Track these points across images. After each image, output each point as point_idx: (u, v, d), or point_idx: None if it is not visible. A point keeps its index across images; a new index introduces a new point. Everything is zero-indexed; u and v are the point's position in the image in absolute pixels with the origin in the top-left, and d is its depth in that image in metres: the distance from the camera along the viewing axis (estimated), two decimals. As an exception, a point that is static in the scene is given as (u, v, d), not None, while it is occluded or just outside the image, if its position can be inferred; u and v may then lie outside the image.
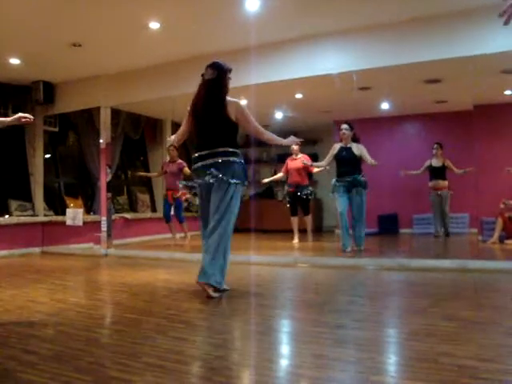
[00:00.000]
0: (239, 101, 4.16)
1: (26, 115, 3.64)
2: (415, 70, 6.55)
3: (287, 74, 6.43)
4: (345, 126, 6.78)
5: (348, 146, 6.72)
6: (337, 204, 6.69)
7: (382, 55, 5.96)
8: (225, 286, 4.06)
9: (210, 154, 4.06)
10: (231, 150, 4.07)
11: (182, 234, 8.51)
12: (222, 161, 4.01)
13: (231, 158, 4.04)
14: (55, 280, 5.02)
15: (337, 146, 6.84)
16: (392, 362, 2.37)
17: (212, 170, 3.99)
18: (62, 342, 2.69)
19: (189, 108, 4.23)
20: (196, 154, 4.17)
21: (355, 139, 6.81)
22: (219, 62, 4.19)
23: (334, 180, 6.79)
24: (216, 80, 4.09)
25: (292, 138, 4.48)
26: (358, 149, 6.68)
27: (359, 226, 6.68)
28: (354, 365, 2.30)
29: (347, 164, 6.66)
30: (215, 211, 3.99)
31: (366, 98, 8.30)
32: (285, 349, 2.71)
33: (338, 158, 6.77)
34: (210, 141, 4.09)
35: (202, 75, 4.16)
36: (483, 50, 5.48)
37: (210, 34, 6.14)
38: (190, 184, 4.31)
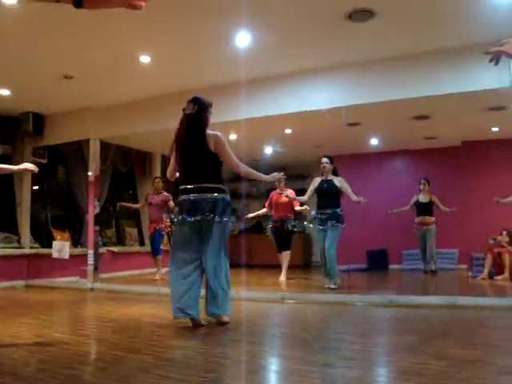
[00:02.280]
0: (218, 133, 4.20)
1: (32, 167, 3.90)
2: (404, 106, 6.64)
3: (276, 110, 6.47)
4: (325, 159, 6.76)
5: (329, 178, 6.72)
6: (318, 240, 6.65)
7: (371, 91, 6.03)
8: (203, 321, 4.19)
9: (194, 188, 4.10)
10: (215, 186, 4.12)
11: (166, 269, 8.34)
12: (209, 198, 4.06)
13: (216, 195, 4.09)
14: (39, 315, 4.91)
15: (317, 180, 6.82)
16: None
17: (201, 208, 4.05)
18: (42, 380, 2.60)
19: (172, 141, 4.31)
20: (181, 187, 4.21)
21: (335, 172, 6.81)
22: (199, 96, 4.29)
23: (313, 211, 6.77)
24: (196, 114, 4.19)
25: (274, 175, 4.51)
26: (339, 181, 6.68)
27: (329, 261, 6.56)
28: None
29: (328, 196, 6.62)
30: (211, 249, 4.08)
31: (355, 134, 8.36)
32: (272, 389, 2.65)
33: (319, 190, 6.73)
34: (193, 175, 4.15)
35: (183, 110, 4.25)
36: (471, 87, 5.58)
37: (200, 69, 6.19)
38: (175, 218, 4.28)
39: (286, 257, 7.96)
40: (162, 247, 8.34)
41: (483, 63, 5.48)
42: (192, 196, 4.10)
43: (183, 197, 4.17)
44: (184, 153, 4.21)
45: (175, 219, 4.25)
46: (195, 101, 4.24)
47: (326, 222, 6.53)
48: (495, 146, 8.09)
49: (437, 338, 3.64)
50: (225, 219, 4.09)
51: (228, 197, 4.19)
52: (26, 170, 3.97)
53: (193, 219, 4.06)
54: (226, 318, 4.18)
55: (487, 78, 5.45)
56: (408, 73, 5.86)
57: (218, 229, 4.07)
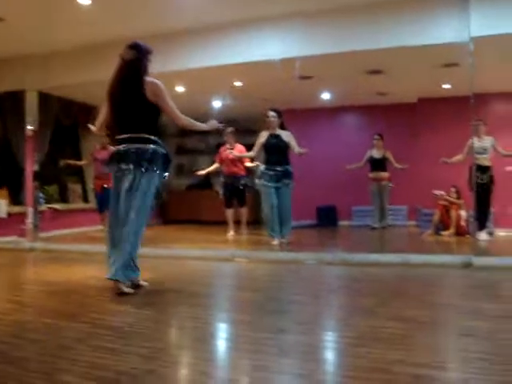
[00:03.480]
0: (157, 81, 3.86)
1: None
2: (358, 59, 6.46)
3: (226, 59, 6.16)
4: (271, 113, 6.51)
5: (277, 133, 6.50)
6: (265, 195, 6.46)
7: (325, 42, 5.84)
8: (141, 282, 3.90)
9: (126, 139, 3.80)
10: (147, 136, 3.81)
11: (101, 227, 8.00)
12: (137, 148, 3.75)
13: (148, 146, 3.78)
14: (-32, 278, 4.56)
15: (264, 134, 6.56)
16: (343, 373, 2.14)
17: (129, 158, 3.74)
18: (-38, 356, 2.32)
19: (106, 90, 3.93)
20: (116, 137, 3.88)
21: (283, 127, 6.59)
22: (139, 42, 3.94)
23: (262, 167, 6.56)
24: (134, 61, 3.85)
25: (213, 122, 4.23)
26: (286, 136, 6.47)
27: (288, 219, 6.47)
28: (299, 378, 2.07)
29: (277, 152, 6.43)
30: (127, 202, 3.73)
31: (307, 88, 8.13)
32: (223, 360, 2.44)
33: (267, 145, 6.50)
34: (126, 125, 3.83)
35: (121, 55, 3.90)
36: (428, 40, 5.42)
37: (143, 14, 5.78)
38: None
39: (243, 213, 7.90)
40: None
41: (443, 16, 5.39)
42: (122, 146, 3.80)
43: (115, 148, 3.87)
44: (118, 101, 3.86)
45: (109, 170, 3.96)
46: (134, 46, 3.88)
47: (277, 180, 6.35)
48: (448, 103, 8.03)
49: (392, 299, 3.53)
50: (150, 169, 3.75)
51: (161, 149, 3.86)
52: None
53: (121, 168, 3.77)
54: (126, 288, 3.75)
55: (445, 32, 5.32)
56: (365, 23, 5.68)
57: (143, 180, 3.74)
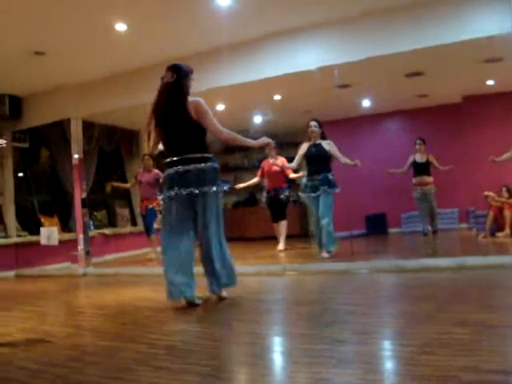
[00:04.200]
0: (199, 99, 3.91)
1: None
2: (396, 62, 6.33)
3: (263, 73, 6.12)
4: (313, 122, 6.51)
5: (317, 142, 6.45)
6: (309, 207, 6.42)
7: (360, 47, 5.72)
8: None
9: (180, 160, 3.86)
10: (201, 155, 3.86)
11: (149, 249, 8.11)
12: (197, 169, 3.82)
13: (203, 165, 3.85)
14: (26, 306, 4.62)
15: (305, 145, 6.56)
16: (409, 383, 2.03)
17: (189, 179, 3.83)
18: (21, 381, 2.32)
19: (149, 114, 4.00)
20: (167, 160, 3.95)
21: (324, 137, 6.54)
22: (178, 63, 4.01)
23: (304, 179, 6.54)
24: (175, 82, 3.90)
25: (262, 139, 4.20)
26: (327, 145, 6.42)
27: (325, 228, 6.31)
28: (363, 389, 1.99)
29: (318, 161, 6.38)
30: (210, 223, 3.89)
31: (346, 97, 8.04)
32: (282, 374, 2.36)
33: (308, 156, 6.48)
34: (177, 146, 3.90)
35: (162, 78, 3.97)
36: (466, 35, 5.25)
37: (180, 35, 5.83)
38: (163, 194, 4.01)
39: (283, 227, 7.73)
40: (155, 226, 8.07)
41: (482, 8, 5.24)
42: (178, 168, 3.85)
43: (169, 170, 3.92)
44: (165, 124, 3.92)
45: (163, 195, 3.98)
46: (174, 68, 3.95)
47: (318, 189, 6.28)
48: (493, 99, 7.80)
49: (453, 304, 3.38)
50: (215, 188, 3.86)
51: (216, 164, 3.94)
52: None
53: (183, 192, 3.81)
54: (224, 293, 4.03)
55: (486, 25, 5.15)
56: (400, 24, 5.56)
57: (212, 200, 3.86)
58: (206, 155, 3.89)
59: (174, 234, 3.90)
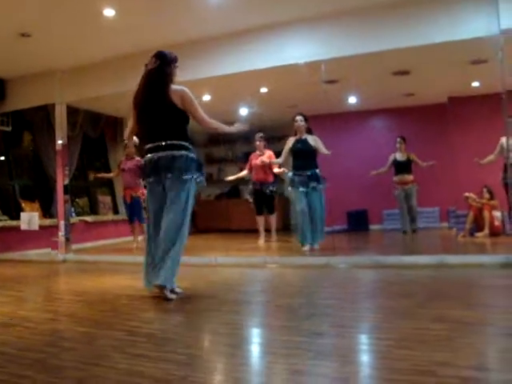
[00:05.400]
0: (184, 88, 3.88)
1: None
2: (383, 60, 6.35)
3: (251, 65, 6.10)
4: (299, 117, 6.53)
5: (303, 137, 6.47)
6: (295, 200, 6.42)
7: (349, 43, 5.73)
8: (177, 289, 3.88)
9: (156, 147, 3.82)
10: (178, 142, 3.81)
11: (142, 237, 8.10)
12: (170, 155, 3.77)
13: (180, 152, 3.79)
14: (5, 290, 4.57)
15: (291, 139, 6.60)
16: (385, 376, 2.04)
17: (163, 166, 3.77)
18: (1, 365, 2.30)
19: (132, 101, 3.98)
20: (146, 147, 3.93)
21: (310, 132, 6.58)
22: (163, 51, 3.98)
23: (290, 173, 6.54)
24: (158, 69, 3.87)
25: (238, 125, 4.24)
26: (313, 140, 6.44)
27: (319, 224, 6.40)
28: (340, 382, 2.00)
29: (304, 157, 6.42)
30: (169, 212, 3.76)
31: (332, 92, 8.02)
32: (259, 365, 2.38)
33: (294, 150, 6.51)
34: (155, 133, 3.86)
35: (146, 65, 3.95)
36: (453, 36, 5.28)
37: (169, 23, 5.77)
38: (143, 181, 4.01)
39: (272, 221, 7.82)
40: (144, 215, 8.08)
41: (470, 9, 5.27)
42: (152, 156, 3.83)
43: (145, 158, 3.91)
44: (144, 110, 3.89)
45: (143, 182, 4.00)
46: (157, 55, 3.93)
47: (306, 184, 6.30)
48: (478, 101, 7.86)
49: (432, 300, 3.42)
50: (188, 176, 3.77)
51: (192, 154, 3.87)
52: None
53: (156, 178, 3.82)
54: (168, 293, 3.71)
55: (474, 26, 5.19)
56: (389, 22, 5.56)
57: (178, 187, 3.76)
58: (183, 143, 3.83)
59: (152, 224, 3.90)
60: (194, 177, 3.85)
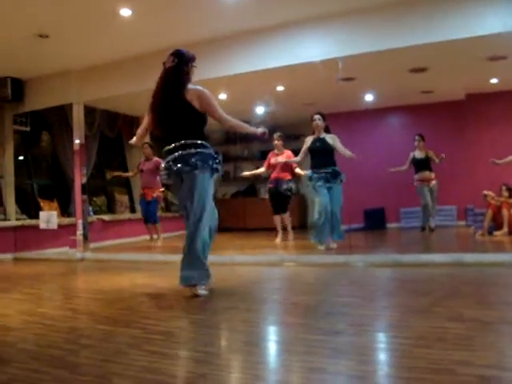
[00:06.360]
0: (201, 88, 3.85)
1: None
2: (400, 57, 6.33)
3: (267, 63, 6.13)
4: (317, 116, 6.48)
5: (321, 136, 6.45)
6: (317, 196, 6.38)
7: (365, 41, 5.72)
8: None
9: (173, 149, 3.78)
10: (194, 141, 3.77)
11: (155, 236, 8.18)
12: (188, 154, 3.72)
13: (197, 150, 3.75)
14: (24, 288, 4.63)
15: (309, 139, 6.56)
16: (402, 375, 2.03)
17: (178, 165, 3.74)
18: (20, 362, 2.33)
19: (150, 101, 3.95)
20: (164, 149, 3.90)
21: (328, 130, 6.55)
22: (182, 49, 3.95)
23: (309, 172, 6.50)
24: (175, 68, 3.84)
25: (261, 129, 4.17)
26: (331, 139, 6.41)
27: (338, 222, 6.38)
28: (357, 380, 1.99)
29: (322, 155, 6.38)
30: (190, 209, 3.76)
31: (349, 90, 8.01)
32: (276, 362, 2.38)
33: (312, 149, 6.48)
34: (172, 134, 3.83)
35: (164, 63, 3.92)
36: (471, 32, 5.24)
37: (185, 22, 5.81)
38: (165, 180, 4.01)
39: (286, 220, 7.79)
40: (158, 215, 8.17)
41: (488, 5, 5.21)
42: (172, 156, 3.78)
43: (166, 160, 3.86)
44: (161, 112, 3.87)
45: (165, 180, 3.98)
46: (175, 53, 3.89)
47: (327, 180, 6.28)
48: (496, 98, 7.78)
49: (450, 299, 3.39)
50: (205, 172, 3.74)
51: (207, 150, 3.81)
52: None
53: (176, 179, 3.83)
54: (201, 291, 3.73)
55: (492, 22, 5.13)
56: (406, 19, 5.54)
57: (197, 181, 3.72)
58: (199, 142, 3.79)
59: (187, 222, 3.85)
60: (212, 166, 3.79)
